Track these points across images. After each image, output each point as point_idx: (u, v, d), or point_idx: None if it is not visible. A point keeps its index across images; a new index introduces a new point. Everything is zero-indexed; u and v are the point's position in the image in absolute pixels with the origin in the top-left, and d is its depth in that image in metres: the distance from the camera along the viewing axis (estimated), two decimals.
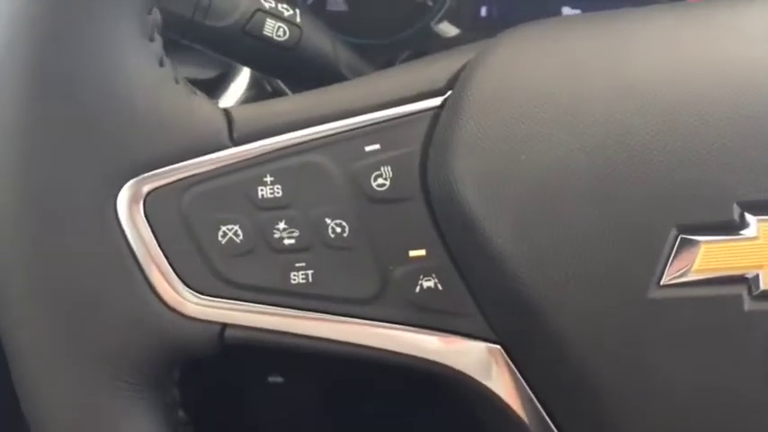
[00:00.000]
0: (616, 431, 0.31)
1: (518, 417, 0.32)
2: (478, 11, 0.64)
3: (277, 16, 0.43)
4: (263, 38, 0.43)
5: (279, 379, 0.71)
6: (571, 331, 0.30)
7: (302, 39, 0.44)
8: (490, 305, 0.31)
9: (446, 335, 0.32)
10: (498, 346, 0.31)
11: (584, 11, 0.64)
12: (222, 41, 0.43)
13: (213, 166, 0.31)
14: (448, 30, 0.64)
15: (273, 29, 0.43)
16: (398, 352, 0.32)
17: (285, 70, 0.47)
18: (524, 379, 0.31)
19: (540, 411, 0.32)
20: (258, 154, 0.32)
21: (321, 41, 0.46)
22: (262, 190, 0.31)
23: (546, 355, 0.31)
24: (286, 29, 0.44)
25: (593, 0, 0.63)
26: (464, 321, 0.32)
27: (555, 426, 0.32)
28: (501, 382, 0.32)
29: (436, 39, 0.63)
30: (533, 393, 0.31)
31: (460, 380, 0.32)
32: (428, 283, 0.31)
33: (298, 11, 0.45)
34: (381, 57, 0.61)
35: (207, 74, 0.56)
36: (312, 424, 0.71)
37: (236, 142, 0.32)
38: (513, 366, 0.31)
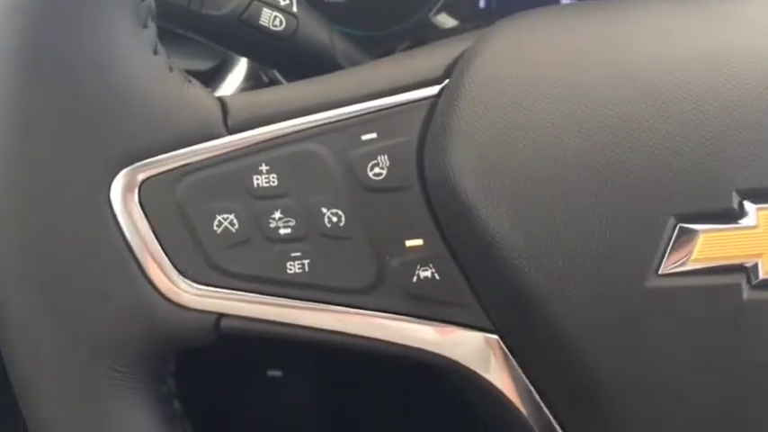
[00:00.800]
0: (615, 421, 0.30)
1: (516, 407, 0.31)
2: (477, 2, 0.64)
3: (273, 6, 0.43)
4: (260, 27, 0.43)
5: (277, 372, 0.71)
6: (568, 320, 0.30)
7: (299, 28, 0.44)
8: (487, 295, 0.31)
9: (443, 325, 0.31)
10: (495, 336, 0.31)
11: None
12: (218, 31, 0.43)
13: (208, 155, 0.31)
14: (446, 21, 0.63)
15: (270, 18, 0.43)
16: (395, 342, 0.31)
17: (281, 60, 0.47)
18: (522, 369, 0.31)
19: (537, 401, 0.31)
20: (253, 143, 0.31)
21: (318, 31, 0.45)
22: (257, 179, 0.31)
23: (543, 344, 0.30)
24: (282, 18, 0.43)
25: None
26: (461, 311, 0.31)
27: (553, 416, 0.31)
28: (498, 372, 0.31)
29: (434, 30, 0.63)
30: (531, 383, 0.31)
31: (458, 371, 0.32)
32: (425, 273, 0.31)
33: (294, 0, 0.44)
34: (379, 48, 0.60)
35: (204, 65, 0.56)
36: (309, 417, 0.71)
37: (231, 131, 0.31)
38: (510, 356, 0.31)
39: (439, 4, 0.62)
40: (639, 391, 0.30)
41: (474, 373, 0.32)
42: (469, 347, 0.31)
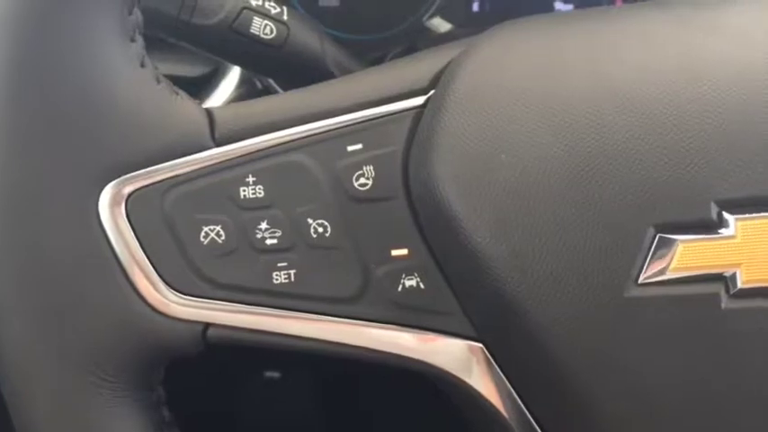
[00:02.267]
0: (596, 427, 0.31)
1: (499, 413, 0.32)
2: (470, 6, 0.64)
3: (264, 14, 0.44)
4: (250, 36, 0.43)
5: (275, 374, 0.71)
6: (550, 329, 0.30)
7: (289, 36, 0.44)
8: (471, 303, 0.31)
9: (427, 333, 0.32)
10: (479, 344, 0.32)
11: (576, 6, 0.64)
12: (209, 40, 0.43)
13: (195, 167, 0.31)
14: (440, 25, 0.64)
15: (260, 27, 0.43)
16: (380, 350, 0.32)
17: (273, 68, 0.47)
18: (505, 375, 0.32)
19: (520, 408, 0.32)
20: (240, 154, 0.32)
21: (308, 39, 0.46)
22: (244, 190, 0.32)
23: (525, 352, 0.31)
24: (273, 27, 0.44)
25: None
26: (446, 319, 0.32)
27: (536, 421, 0.32)
28: (481, 379, 0.32)
29: (428, 34, 0.63)
30: (514, 389, 0.32)
31: (442, 377, 0.32)
32: (410, 282, 0.32)
33: (285, 8, 0.45)
34: (374, 52, 0.61)
35: (197, 71, 0.56)
36: (306, 419, 0.71)
37: (218, 143, 0.32)
38: (493, 363, 0.32)
39: (432, 9, 0.62)
40: (620, 399, 0.30)
41: (458, 379, 0.32)
42: (453, 355, 0.32)
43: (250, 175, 0.32)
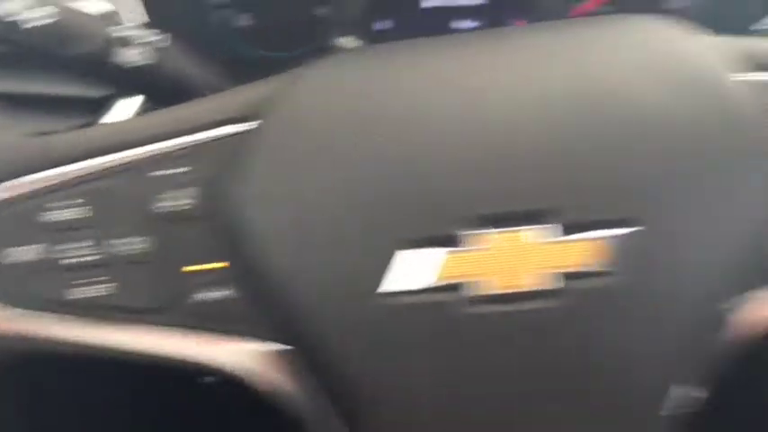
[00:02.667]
0: (371, 427, 0.33)
1: (295, 411, 0.35)
2: (373, 25, 0.67)
3: (134, 41, 0.47)
4: (122, 62, 0.46)
5: (211, 379, 0.73)
6: (331, 336, 0.33)
7: (160, 62, 0.47)
8: (271, 312, 0.34)
9: (232, 339, 0.35)
10: (279, 348, 0.34)
11: (480, 25, 0.67)
12: (84, 68, 0.46)
13: (19, 192, 0.35)
14: (349, 43, 0.67)
15: (131, 53, 0.46)
16: (181, 358, 0.35)
17: (148, 91, 0.50)
18: (298, 377, 0.34)
19: (320, 403, 0.34)
20: (67, 179, 0.35)
21: (180, 63, 0.49)
22: (64, 212, 0.35)
23: (315, 356, 0.34)
24: (143, 53, 0.47)
25: (487, 15, 0.66)
26: (249, 327, 0.35)
27: (339, 419, 0.34)
28: (279, 383, 0.35)
29: (338, 51, 0.66)
30: (309, 386, 0.34)
31: (242, 382, 0.35)
32: (218, 294, 0.35)
33: (157, 34, 0.48)
34: (287, 68, 0.64)
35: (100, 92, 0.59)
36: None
37: (49, 166, 0.35)
38: (289, 366, 0.34)
39: (340, 27, 0.65)
40: (391, 402, 0.33)
41: (256, 382, 0.35)
42: (252, 359, 0.35)
43: (72, 198, 0.35)
